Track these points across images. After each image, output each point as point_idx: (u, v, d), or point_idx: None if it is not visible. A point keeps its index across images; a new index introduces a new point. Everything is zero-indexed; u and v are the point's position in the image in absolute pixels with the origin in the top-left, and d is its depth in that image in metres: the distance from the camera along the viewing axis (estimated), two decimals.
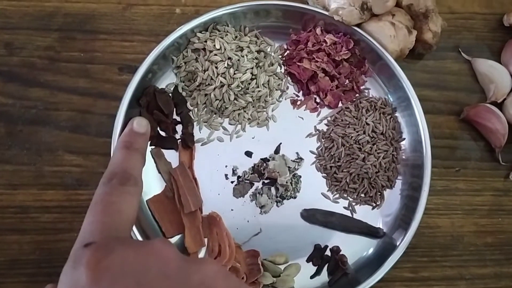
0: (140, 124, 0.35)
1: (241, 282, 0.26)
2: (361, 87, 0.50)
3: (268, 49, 0.50)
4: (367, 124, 0.47)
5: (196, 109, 0.48)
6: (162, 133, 0.47)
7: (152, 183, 0.45)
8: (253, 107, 0.48)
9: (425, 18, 0.48)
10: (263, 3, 0.49)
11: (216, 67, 0.46)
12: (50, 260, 0.44)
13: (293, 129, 0.49)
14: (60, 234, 0.45)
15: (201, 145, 0.47)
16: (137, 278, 0.23)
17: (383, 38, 0.47)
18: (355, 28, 0.48)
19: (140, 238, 0.41)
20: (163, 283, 0.23)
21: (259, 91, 0.47)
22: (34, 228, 0.45)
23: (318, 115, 0.49)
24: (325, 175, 0.47)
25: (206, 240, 0.44)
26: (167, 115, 0.46)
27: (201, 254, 0.44)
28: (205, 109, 0.48)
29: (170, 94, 0.47)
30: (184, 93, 0.48)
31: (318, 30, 0.48)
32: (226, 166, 0.47)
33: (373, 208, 0.47)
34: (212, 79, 0.46)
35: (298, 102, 0.49)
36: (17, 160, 0.46)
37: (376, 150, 0.47)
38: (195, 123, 0.47)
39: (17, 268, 0.44)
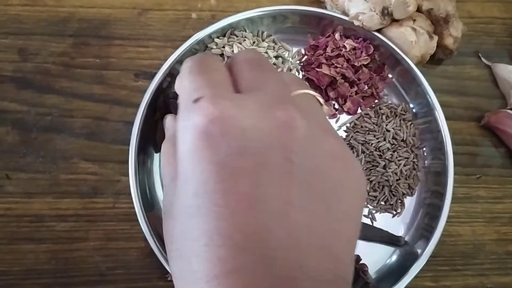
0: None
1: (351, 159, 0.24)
2: (381, 93, 0.49)
3: (286, 55, 0.49)
4: (388, 130, 0.47)
5: None
6: None
7: None
8: None
9: (446, 23, 0.48)
10: (281, 8, 0.48)
11: None
12: (66, 270, 0.43)
13: None
14: (76, 243, 0.44)
15: None
16: (256, 158, 0.20)
17: (404, 44, 0.46)
18: (375, 33, 0.47)
19: (156, 244, 0.40)
20: (283, 166, 0.21)
21: None
22: (50, 237, 0.44)
23: (337, 121, 0.48)
24: None
25: None
26: None
27: None
28: None
29: None
30: None
31: (337, 36, 0.48)
32: None
33: (393, 216, 0.46)
34: None
35: None
36: (32, 168, 0.45)
37: (397, 158, 0.46)
38: None
39: (32, 278, 0.43)
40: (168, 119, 0.30)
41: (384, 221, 0.46)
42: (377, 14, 0.45)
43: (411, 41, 0.45)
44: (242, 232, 0.19)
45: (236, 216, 0.19)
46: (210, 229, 0.19)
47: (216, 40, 0.46)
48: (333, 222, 0.21)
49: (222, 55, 0.46)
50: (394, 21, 0.47)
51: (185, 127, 0.21)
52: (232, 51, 0.46)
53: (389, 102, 0.49)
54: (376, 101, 0.49)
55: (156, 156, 0.46)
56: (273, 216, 0.19)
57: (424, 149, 0.48)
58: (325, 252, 0.20)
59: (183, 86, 0.23)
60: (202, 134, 0.20)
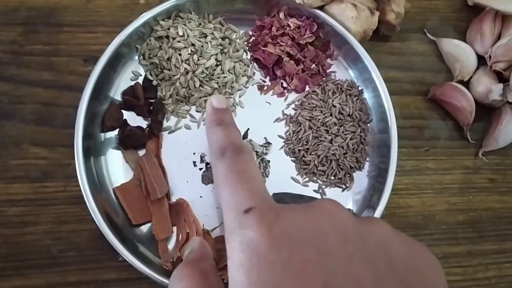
0: (220, 100, 0.31)
1: (409, 238, 0.25)
2: (327, 71, 0.50)
3: (233, 36, 0.50)
4: (334, 106, 0.47)
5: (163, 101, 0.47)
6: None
7: (119, 173, 0.45)
8: (220, 93, 0.48)
9: (388, 0, 0.48)
10: None
11: (180, 54, 0.46)
12: (18, 254, 0.43)
13: (261, 114, 0.48)
14: (27, 227, 0.44)
15: (168, 133, 0.47)
16: (318, 244, 0.21)
17: (345, 20, 0.47)
18: (317, 11, 0.48)
19: (105, 226, 0.40)
20: (344, 248, 0.21)
21: (224, 77, 0.47)
22: (1, 222, 0.44)
23: (285, 99, 0.49)
24: (294, 159, 0.47)
25: (175, 228, 0.44)
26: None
27: (171, 242, 0.44)
28: (171, 98, 0.47)
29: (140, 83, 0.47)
30: (154, 82, 0.47)
31: (281, 15, 0.48)
32: (194, 153, 0.46)
33: (343, 190, 0.47)
34: (176, 67, 0.46)
35: (265, 88, 0.49)
36: None
37: (343, 132, 0.47)
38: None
39: None
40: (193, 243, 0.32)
41: (334, 196, 0.46)
42: None
43: (351, 17, 0.46)
44: None
45: None
46: None
47: (162, 22, 0.47)
48: None
49: (167, 37, 0.47)
50: None
51: (241, 242, 0.21)
52: (177, 32, 0.46)
53: (336, 79, 0.50)
54: (324, 78, 0.49)
55: (103, 138, 0.46)
56: None
57: (372, 123, 0.48)
58: None
59: (223, 197, 0.24)
60: (262, 247, 0.21)
